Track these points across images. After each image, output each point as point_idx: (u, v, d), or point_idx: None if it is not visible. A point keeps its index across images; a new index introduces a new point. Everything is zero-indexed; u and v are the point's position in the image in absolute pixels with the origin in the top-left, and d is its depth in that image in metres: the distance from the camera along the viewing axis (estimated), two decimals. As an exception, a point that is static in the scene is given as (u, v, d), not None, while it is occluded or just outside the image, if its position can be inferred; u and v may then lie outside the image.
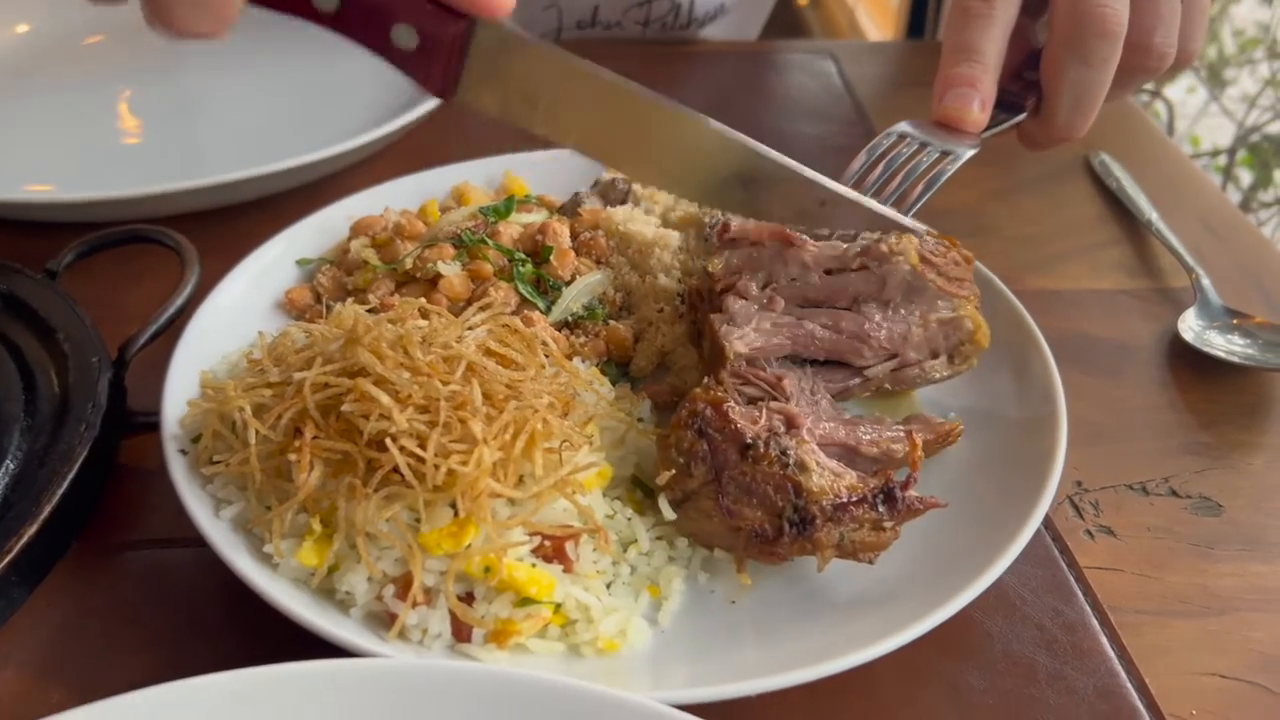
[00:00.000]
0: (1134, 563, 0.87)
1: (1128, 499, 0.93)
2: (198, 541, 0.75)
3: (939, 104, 0.95)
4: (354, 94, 1.46)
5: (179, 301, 0.98)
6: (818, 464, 0.74)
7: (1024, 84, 1.04)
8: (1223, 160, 3.47)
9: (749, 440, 0.73)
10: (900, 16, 3.23)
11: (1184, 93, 3.92)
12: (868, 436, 0.79)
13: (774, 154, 0.82)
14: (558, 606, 0.74)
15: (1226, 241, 1.28)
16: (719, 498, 0.73)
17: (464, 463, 0.71)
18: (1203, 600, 0.84)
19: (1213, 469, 0.96)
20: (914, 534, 0.80)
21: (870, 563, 0.76)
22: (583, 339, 0.96)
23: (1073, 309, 1.17)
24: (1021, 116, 1.02)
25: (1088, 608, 0.83)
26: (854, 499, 0.72)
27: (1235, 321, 1.10)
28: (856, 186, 0.92)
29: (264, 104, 1.47)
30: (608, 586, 0.77)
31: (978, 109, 0.94)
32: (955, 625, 0.79)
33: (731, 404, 0.76)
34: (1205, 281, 1.15)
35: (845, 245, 0.85)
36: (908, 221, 0.88)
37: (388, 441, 0.71)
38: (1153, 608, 0.83)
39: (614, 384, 0.93)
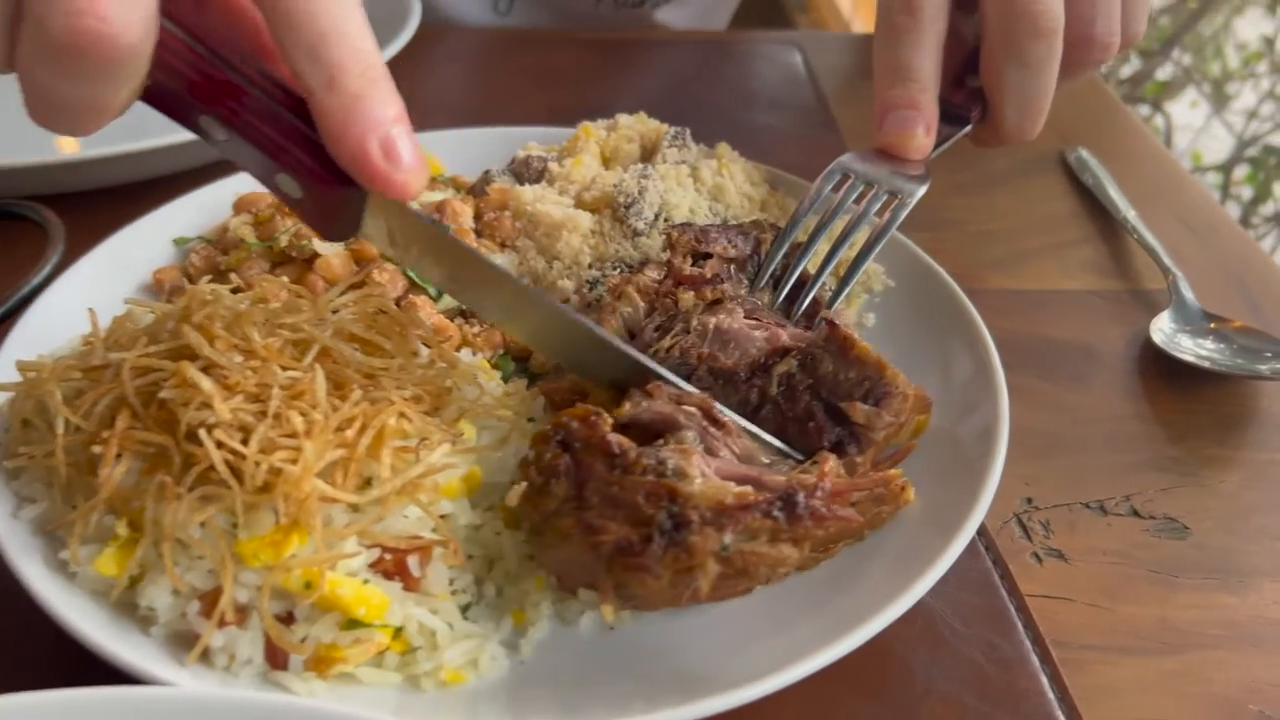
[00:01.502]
0: (1085, 591, 0.77)
1: (1083, 519, 0.83)
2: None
3: (880, 130, 0.87)
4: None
5: (34, 282, 0.89)
6: (702, 473, 0.63)
7: (967, 92, 0.95)
8: (1222, 178, 3.38)
9: (616, 450, 0.63)
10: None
11: (1187, 107, 3.83)
12: (773, 472, 0.69)
13: (596, 329, 0.73)
14: (399, 631, 0.63)
15: (1208, 243, 1.18)
16: (580, 514, 0.62)
17: (291, 460, 0.61)
18: (1160, 635, 0.73)
19: (1180, 487, 0.86)
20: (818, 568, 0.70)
21: (746, 591, 0.64)
22: (477, 329, 0.86)
23: (1036, 310, 1.07)
24: (967, 129, 0.94)
25: (1028, 641, 0.72)
26: (742, 504, 0.61)
27: (1212, 326, 1.00)
28: (799, 249, 0.87)
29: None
30: (465, 610, 0.66)
31: (922, 133, 0.86)
32: (871, 658, 0.68)
33: (605, 416, 0.65)
34: (1183, 284, 1.05)
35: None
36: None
37: (202, 434, 0.61)
38: (1102, 643, 0.73)
39: (509, 379, 0.83)
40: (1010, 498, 0.84)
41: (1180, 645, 0.73)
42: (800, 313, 0.84)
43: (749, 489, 0.63)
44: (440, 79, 1.47)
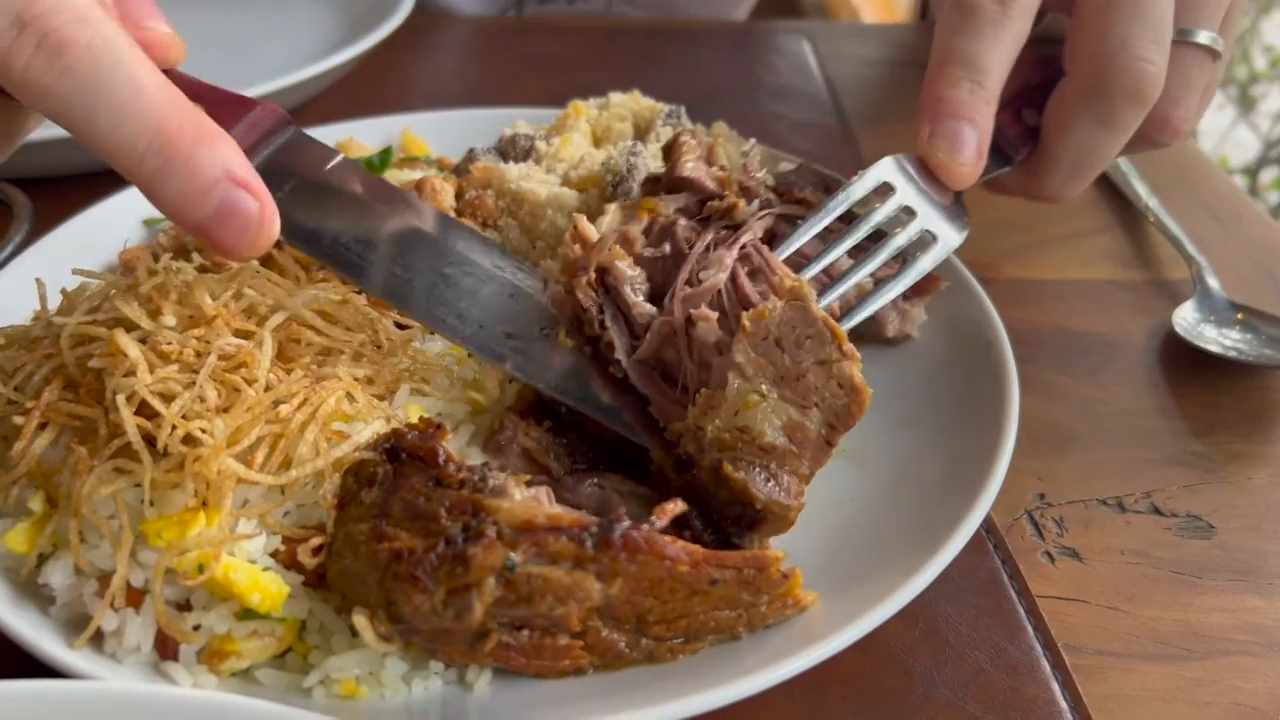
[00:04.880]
0: (1101, 592, 0.71)
1: (1099, 516, 0.77)
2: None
3: (929, 136, 0.74)
4: (257, 54, 1.35)
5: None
6: (522, 494, 0.56)
7: (1019, 126, 0.83)
8: (1249, 181, 3.31)
9: (440, 463, 0.57)
10: (908, 17, 3.10)
11: (1213, 110, 3.76)
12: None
13: None
14: (303, 629, 0.58)
15: (1235, 231, 1.12)
16: (375, 521, 0.56)
17: (208, 432, 0.56)
18: (1182, 640, 0.68)
19: (1204, 483, 0.80)
20: (814, 552, 0.66)
21: (564, 666, 0.56)
22: (454, 311, 0.81)
23: (1053, 300, 1.01)
24: (1005, 170, 0.83)
25: (1038, 646, 0.67)
26: (552, 525, 0.54)
27: (1239, 316, 0.94)
28: (821, 241, 0.75)
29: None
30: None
31: (972, 157, 0.74)
32: (866, 662, 0.64)
33: (445, 430, 0.59)
34: (1208, 273, 0.99)
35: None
36: None
37: (119, 399, 0.56)
38: (1120, 648, 0.67)
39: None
40: (1022, 493, 0.78)
41: (1204, 651, 0.67)
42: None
43: (568, 512, 0.56)
44: (437, 67, 1.44)
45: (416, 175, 0.90)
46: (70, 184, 1.04)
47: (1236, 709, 0.63)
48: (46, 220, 0.89)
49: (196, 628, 0.56)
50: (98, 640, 0.56)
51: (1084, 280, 1.05)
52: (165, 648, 0.56)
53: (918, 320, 0.84)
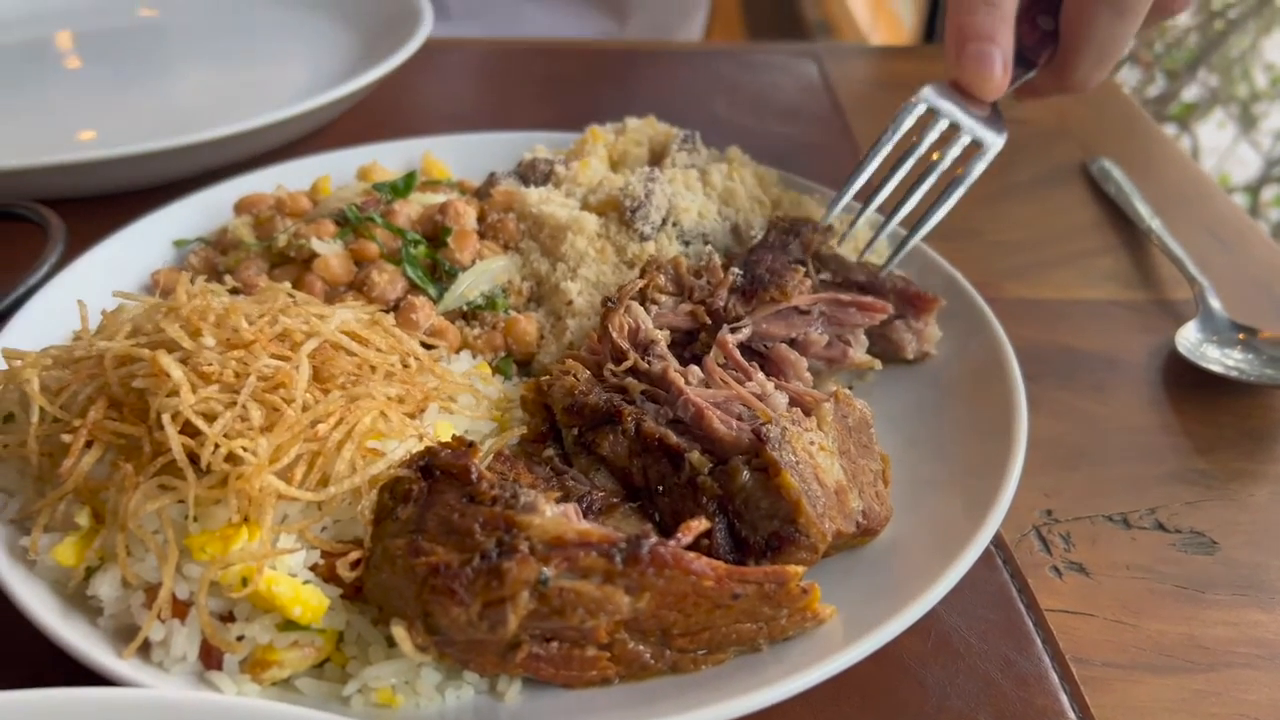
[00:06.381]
0: (1108, 606, 0.73)
1: (1105, 532, 0.79)
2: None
3: (956, 60, 0.85)
4: (281, 80, 1.37)
5: (32, 279, 0.87)
6: (552, 511, 0.58)
7: (1037, 33, 0.92)
8: (1250, 199, 3.33)
9: (473, 479, 0.59)
10: (914, 39, 3.13)
11: (1214, 128, 3.78)
12: None
13: None
14: (341, 640, 0.60)
15: (1237, 252, 1.14)
16: (412, 536, 0.57)
17: (251, 449, 0.59)
18: (1187, 653, 0.70)
19: (1208, 500, 0.82)
20: (832, 568, 0.68)
21: (591, 676, 0.58)
22: (478, 331, 0.84)
23: (1057, 320, 1.04)
24: (1032, 74, 0.92)
25: (1047, 658, 0.69)
26: (583, 540, 0.56)
27: (1241, 336, 0.96)
28: (880, 176, 0.88)
29: (175, 90, 1.38)
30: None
31: (999, 71, 0.84)
32: (881, 674, 0.66)
33: (478, 448, 0.62)
34: (1210, 293, 1.01)
35: None
36: None
37: (165, 418, 0.59)
38: (1127, 660, 0.69)
39: (510, 380, 0.81)
40: (1029, 510, 0.80)
41: (1208, 664, 0.69)
42: (866, 256, 0.88)
43: (596, 528, 0.58)
44: (451, 89, 1.46)
45: (440, 199, 0.93)
46: (99, 204, 1.07)
47: (1241, 719, 0.65)
48: (78, 240, 0.91)
49: (240, 638, 0.58)
50: (144, 650, 0.58)
51: (1088, 300, 1.07)
52: (210, 657, 0.58)
53: (934, 338, 0.87)
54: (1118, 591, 0.74)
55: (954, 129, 0.86)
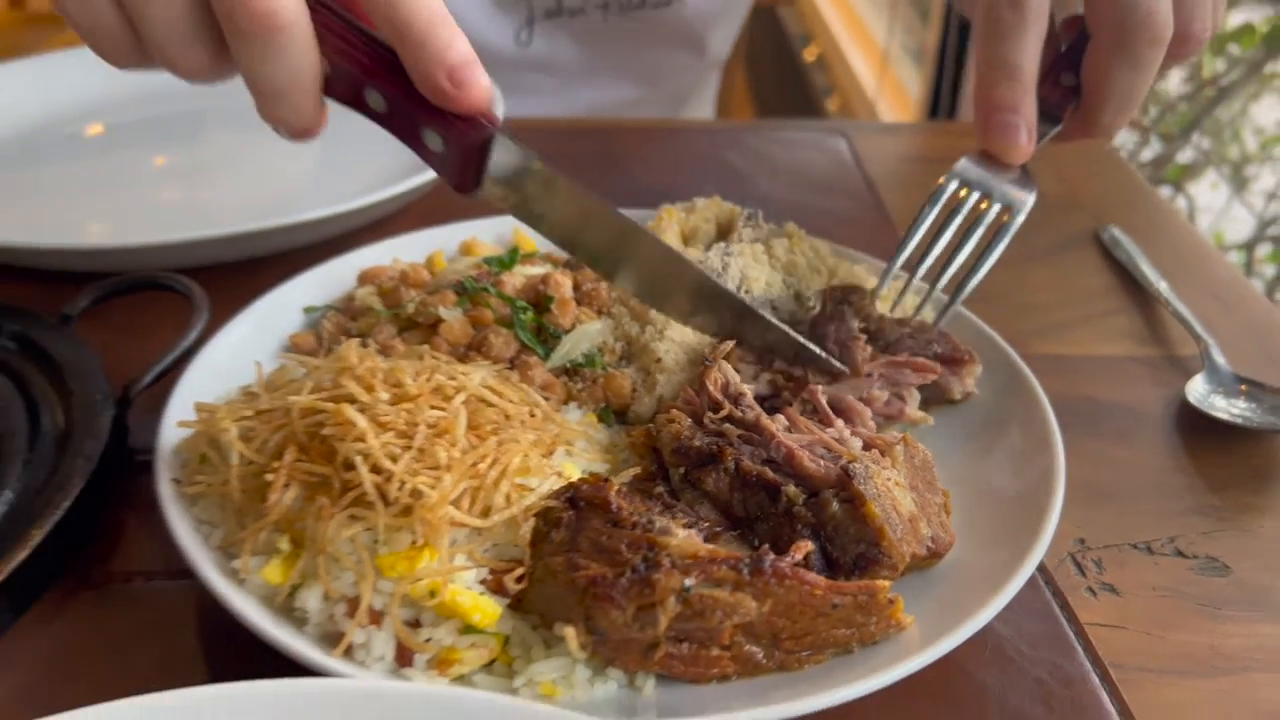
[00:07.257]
0: (1138, 621, 0.85)
1: (1132, 558, 0.91)
2: (184, 573, 0.75)
3: (984, 131, 0.95)
4: (370, 159, 1.50)
5: (185, 344, 1.00)
6: (685, 534, 0.71)
7: (1061, 90, 1.02)
8: (1245, 256, 3.47)
9: (614, 508, 0.71)
10: (920, 109, 3.29)
11: (1208, 189, 3.94)
12: None
13: (711, 277, 0.91)
14: (506, 642, 0.72)
15: (1236, 312, 1.27)
16: (568, 554, 0.70)
17: (430, 485, 0.71)
18: (1209, 660, 0.81)
19: (1220, 531, 0.94)
20: (909, 585, 0.79)
21: (714, 671, 0.70)
22: (580, 385, 0.96)
23: (1079, 374, 1.16)
24: (1059, 128, 1.02)
25: (1088, 663, 0.80)
26: (713, 557, 0.69)
27: (1243, 387, 1.09)
28: (925, 245, 1.00)
29: (285, 166, 1.52)
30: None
31: (1024, 140, 0.94)
32: (949, 677, 0.77)
33: (613, 483, 0.74)
34: (1215, 349, 1.14)
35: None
36: (818, 353, 0.94)
37: (357, 460, 0.71)
38: (1157, 666, 0.81)
39: (610, 428, 0.93)
40: (1064, 539, 0.92)
41: (1228, 668, 0.80)
42: (916, 317, 1.00)
43: (719, 548, 0.70)
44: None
45: (538, 270, 1.06)
46: (233, 270, 1.21)
47: (1256, 714, 0.77)
48: (220, 305, 1.04)
49: (427, 640, 0.70)
50: (347, 651, 0.70)
51: (1106, 356, 1.19)
52: (403, 657, 0.70)
53: (976, 373, 0.99)
54: (1146, 608, 0.86)
55: (986, 197, 0.97)
